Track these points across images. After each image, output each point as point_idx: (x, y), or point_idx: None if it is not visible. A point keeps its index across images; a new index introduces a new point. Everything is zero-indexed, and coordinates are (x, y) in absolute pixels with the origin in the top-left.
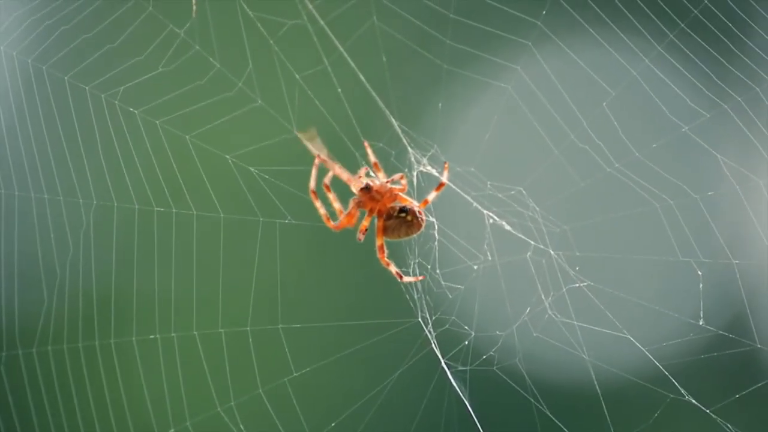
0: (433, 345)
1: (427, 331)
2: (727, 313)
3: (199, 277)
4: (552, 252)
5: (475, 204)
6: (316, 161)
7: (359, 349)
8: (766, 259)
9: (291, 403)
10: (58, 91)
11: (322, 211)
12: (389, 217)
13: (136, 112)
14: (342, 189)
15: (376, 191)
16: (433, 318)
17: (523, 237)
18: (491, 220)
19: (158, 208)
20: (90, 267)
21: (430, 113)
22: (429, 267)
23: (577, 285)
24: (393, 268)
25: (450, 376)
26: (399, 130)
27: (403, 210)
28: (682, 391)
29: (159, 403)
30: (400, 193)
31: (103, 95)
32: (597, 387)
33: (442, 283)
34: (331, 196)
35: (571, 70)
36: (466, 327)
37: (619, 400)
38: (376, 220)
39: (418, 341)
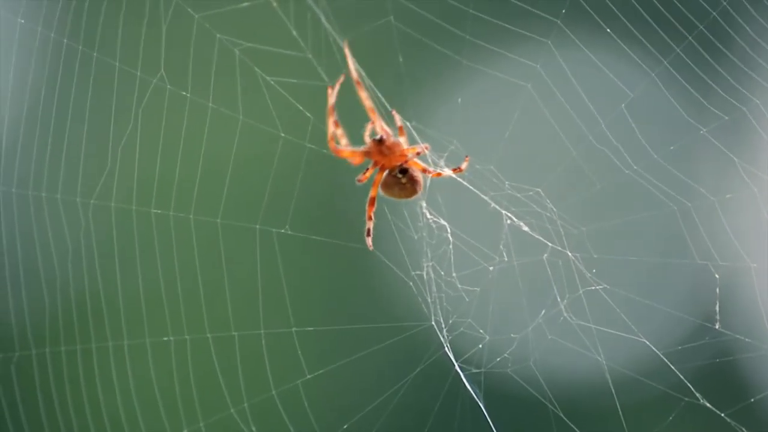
0: (446, 348)
1: (441, 335)
2: (744, 317)
3: (212, 280)
4: (569, 253)
5: (493, 204)
6: (340, 83)
7: (372, 351)
8: None
9: (303, 405)
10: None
11: (330, 129)
12: (389, 173)
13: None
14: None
15: (387, 147)
16: (450, 321)
17: (540, 238)
18: (509, 221)
19: (155, 210)
20: (94, 268)
21: (449, 109)
22: (443, 273)
23: (594, 288)
24: (369, 226)
25: (464, 379)
26: (414, 132)
27: (402, 171)
28: (697, 395)
29: (172, 405)
30: (415, 158)
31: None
32: (612, 390)
33: (459, 286)
34: (339, 132)
35: (590, 70)
36: (481, 330)
37: (633, 403)
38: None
39: (433, 344)
